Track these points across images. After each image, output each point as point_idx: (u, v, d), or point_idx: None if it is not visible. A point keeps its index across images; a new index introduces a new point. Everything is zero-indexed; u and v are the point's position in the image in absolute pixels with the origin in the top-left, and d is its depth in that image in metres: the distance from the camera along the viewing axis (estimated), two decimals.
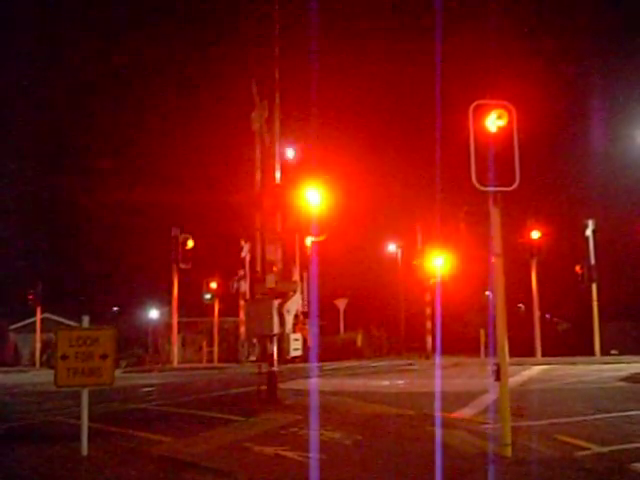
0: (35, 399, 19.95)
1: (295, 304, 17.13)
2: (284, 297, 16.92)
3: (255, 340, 16.77)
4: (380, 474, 8.49)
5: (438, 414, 13.49)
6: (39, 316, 46.66)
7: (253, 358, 16.92)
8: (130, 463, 8.96)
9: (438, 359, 32.86)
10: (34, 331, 46.51)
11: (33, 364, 46.68)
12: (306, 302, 18.40)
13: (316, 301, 18.76)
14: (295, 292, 17.30)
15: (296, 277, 18.25)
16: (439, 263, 43.07)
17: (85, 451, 9.34)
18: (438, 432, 11.16)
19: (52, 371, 9.61)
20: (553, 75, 43.28)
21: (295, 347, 16.83)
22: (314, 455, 9.41)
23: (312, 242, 17.73)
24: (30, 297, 46.61)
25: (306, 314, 18.06)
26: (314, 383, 22.72)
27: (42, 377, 29.19)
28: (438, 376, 25.71)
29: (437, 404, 15.34)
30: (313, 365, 33.76)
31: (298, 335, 16.93)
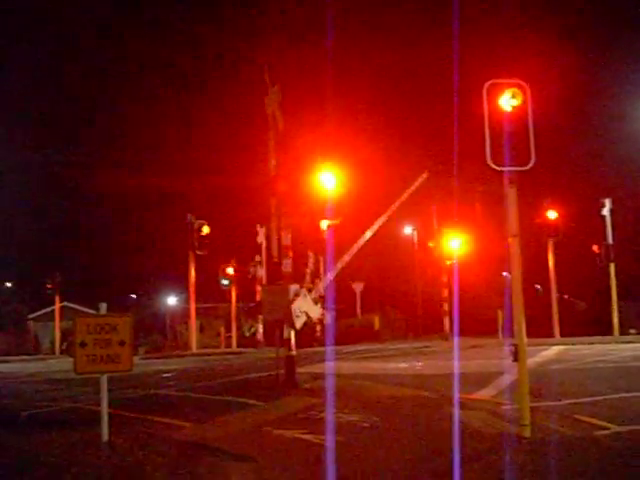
0: (55, 386, 20.13)
1: (314, 310, 17.25)
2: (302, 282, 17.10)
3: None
4: (399, 455, 8.51)
5: (456, 395, 13.49)
6: (58, 304, 47.01)
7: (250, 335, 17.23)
8: (151, 448, 9.02)
9: (456, 340, 32.79)
10: (53, 319, 46.87)
11: (53, 352, 47.08)
12: (323, 287, 18.50)
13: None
14: (317, 303, 17.45)
15: (312, 263, 18.34)
16: (455, 245, 42.89)
17: (106, 437, 9.42)
18: (457, 413, 11.16)
19: (71, 359, 9.68)
20: (569, 52, 42.80)
21: (298, 316, 16.88)
22: (333, 438, 9.44)
23: (328, 225, 17.77)
24: (49, 286, 46.97)
25: (323, 298, 18.19)
26: (332, 366, 22.77)
27: (62, 365, 29.44)
28: (456, 358, 25.70)
29: (455, 385, 15.33)
30: (331, 348, 33.81)
31: (304, 307, 17.00)
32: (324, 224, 17.18)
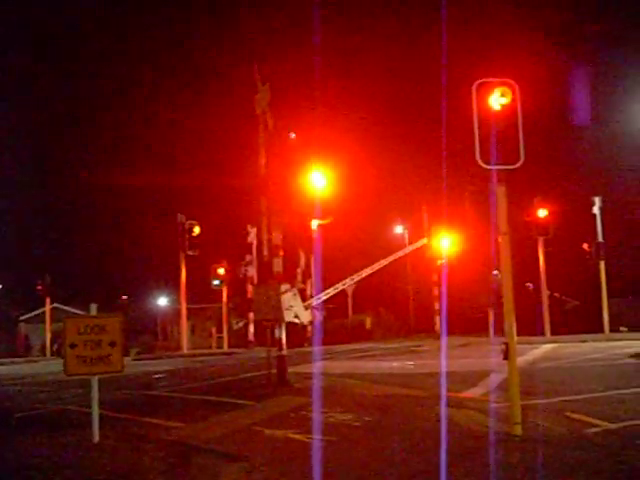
0: (46, 388, 20.05)
1: (303, 315, 17.35)
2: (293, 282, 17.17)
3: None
4: (390, 454, 8.52)
5: (447, 394, 13.51)
6: (48, 306, 46.83)
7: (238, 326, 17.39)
8: (142, 449, 9.00)
9: (445, 340, 32.83)
10: (44, 321, 46.71)
11: (44, 354, 46.92)
12: (313, 286, 18.60)
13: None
14: (307, 309, 17.57)
15: (303, 263, 18.44)
16: (445, 244, 43.07)
17: (97, 438, 9.39)
18: (447, 412, 11.18)
19: (62, 360, 9.65)
20: (558, 51, 42.91)
21: (287, 310, 16.96)
22: (324, 437, 9.44)
23: (318, 225, 17.82)
24: (39, 287, 46.80)
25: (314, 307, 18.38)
26: (324, 366, 22.76)
27: (53, 367, 29.32)
28: (447, 356, 25.72)
29: (446, 384, 15.36)
30: (322, 348, 33.81)
31: (293, 303, 17.08)
32: (314, 224, 17.20)
